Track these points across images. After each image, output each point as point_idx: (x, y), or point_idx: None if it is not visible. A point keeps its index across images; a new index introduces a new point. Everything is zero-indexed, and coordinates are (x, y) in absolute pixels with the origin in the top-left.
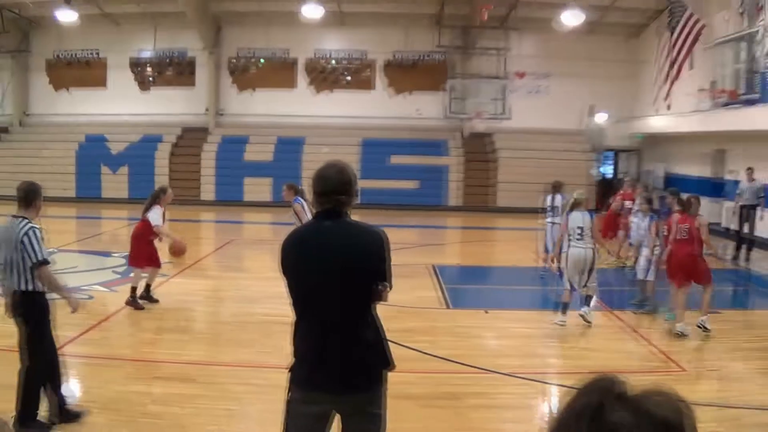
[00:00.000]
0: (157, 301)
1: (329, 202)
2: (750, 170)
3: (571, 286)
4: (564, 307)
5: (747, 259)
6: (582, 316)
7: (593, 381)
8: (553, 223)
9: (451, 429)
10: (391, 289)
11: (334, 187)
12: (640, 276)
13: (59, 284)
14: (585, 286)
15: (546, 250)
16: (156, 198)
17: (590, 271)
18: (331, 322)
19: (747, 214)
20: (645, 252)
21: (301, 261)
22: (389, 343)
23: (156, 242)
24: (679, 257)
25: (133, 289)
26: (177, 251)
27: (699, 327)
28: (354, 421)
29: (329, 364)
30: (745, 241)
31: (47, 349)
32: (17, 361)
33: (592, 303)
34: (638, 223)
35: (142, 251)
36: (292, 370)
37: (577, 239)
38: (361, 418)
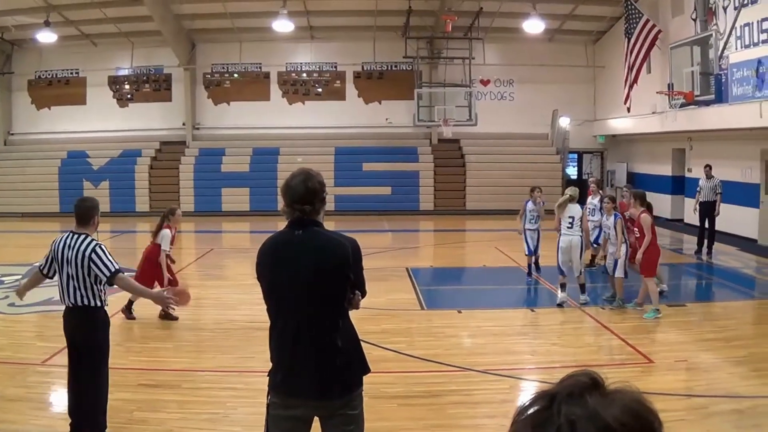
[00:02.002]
0: (133, 318)
1: (297, 211)
2: (708, 168)
3: (561, 270)
4: (563, 287)
5: (709, 253)
6: (583, 304)
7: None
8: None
9: (429, 426)
10: (364, 296)
11: (300, 197)
12: (610, 272)
13: (138, 286)
14: (579, 274)
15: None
16: (165, 219)
17: (580, 257)
18: (304, 330)
19: (706, 210)
20: (611, 249)
21: (274, 270)
22: (367, 344)
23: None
24: (659, 250)
25: (130, 304)
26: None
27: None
28: (333, 423)
29: (304, 372)
30: (706, 236)
31: (107, 366)
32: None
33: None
34: (604, 222)
35: (149, 273)
36: (270, 375)
37: (568, 228)
38: (339, 420)
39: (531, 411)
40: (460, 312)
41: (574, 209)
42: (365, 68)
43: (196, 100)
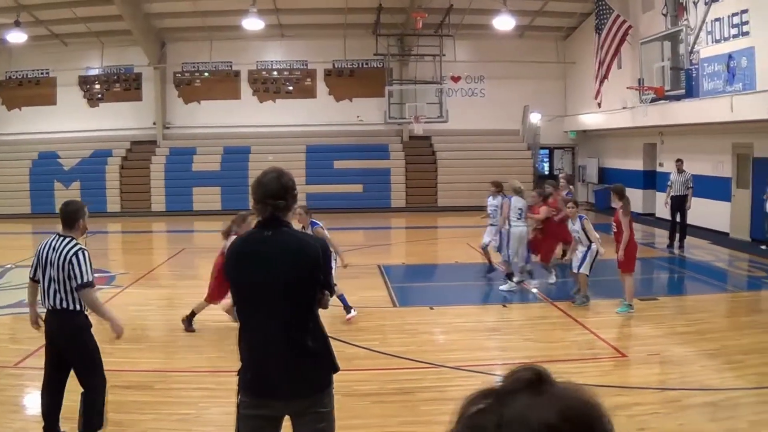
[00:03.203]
0: (192, 330)
1: (267, 209)
2: (679, 162)
3: (509, 259)
4: (509, 276)
5: (681, 247)
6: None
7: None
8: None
9: (402, 423)
10: (333, 295)
11: (273, 192)
12: (574, 270)
13: (103, 308)
14: (527, 262)
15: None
16: (234, 225)
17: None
18: (274, 330)
19: (678, 204)
20: (580, 248)
21: (244, 271)
22: (339, 342)
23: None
24: (635, 244)
25: (192, 314)
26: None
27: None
28: (304, 421)
29: (274, 371)
30: (678, 229)
31: (101, 364)
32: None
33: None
34: (571, 227)
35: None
36: (240, 374)
37: (518, 219)
38: (310, 418)
39: (471, 411)
40: (432, 309)
41: (522, 202)
42: (336, 66)
43: (167, 100)
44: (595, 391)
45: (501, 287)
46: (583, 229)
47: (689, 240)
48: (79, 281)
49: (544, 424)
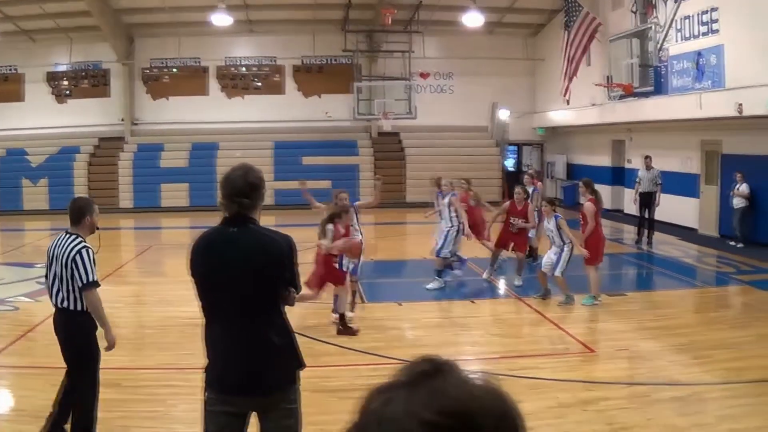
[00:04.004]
0: (353, 332)
1: (234, 206)
2: (647, 158)
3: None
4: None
5: (649, 243)
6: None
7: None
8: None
9: None
10: (298, 292)
11: (239, 190)
12: (545, 271)
13: (103, 313)
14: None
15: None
16: (336, 217)
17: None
18: (239, 327)
19: (646, 200)
20: (554, 249)
21: (207, 268)
22: (308, 338)
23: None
24: (602, 238)
25: (342, 316)
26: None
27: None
28: (270, 417)
29: (239, 368)
30: (646, 226)
31: (96, 370)
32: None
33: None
34: (545, 226)
35: (326, 276)
36: (206, 371)
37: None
38: (276, 414)
39: (367, 408)
40: (400, 304)
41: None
42: (304, 62)
43: (135, 96)
44: (498, 382)
45: (428, 286)
46: (558, 228)
47: (658, 236)
48: (84, 281)
49: (417, 421)
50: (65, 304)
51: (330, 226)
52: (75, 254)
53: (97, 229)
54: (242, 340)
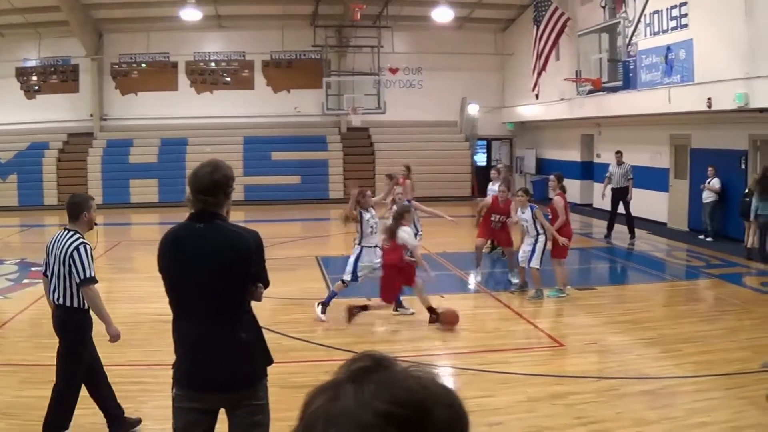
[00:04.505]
0: (412, 311)
1: (199, 202)
2: (618, 154)
3: None
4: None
5: (633, 237)
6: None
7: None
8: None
9: None
10: (266, 287)
11: (204, 187)
12: (523, 264)
13: (103, 308)
14: None
15: None
16: (400, 218)
17: None
18: (206, 323)
19: (618, 196)
20: (528, 240)
21: (174, 263)
22: (277, 334)
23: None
24: (570, 232)
25: (430, 308)
26: (450, 321)
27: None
28: (238, 414)
29: (207, 365)
30: (625, 222)
31: (79, 370)
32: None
33: None
34: (520, 216)
35: (397, 281)
36: (174, 367)
37: None
38: (245, 410)
39: (310, 408)
40: (369, 300)
41: None
42: (274, 57)
43: (104, 91)
44: (438, 373)
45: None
46: (534, 219)
47: (623, 229)
48: (81, 276)
49: (372, 413)
50: (61, 300)
51: (407, 229)
52: (73, 250)
53: (96, 225)
54: (209, 337)
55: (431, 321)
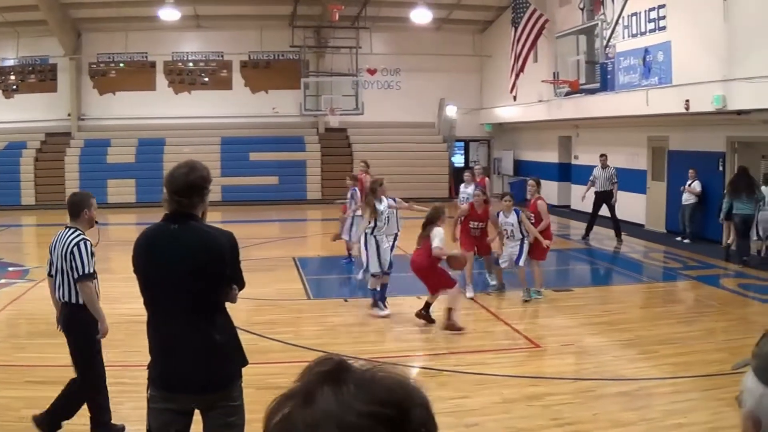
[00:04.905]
0: (433, 321)
1: (174, 203)
2: (603, 157)
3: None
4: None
5: (619, 241)
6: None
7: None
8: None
9: None
10: (241, 288)
11: (179, 188)
12: (505, 266)
13: (96, 303)
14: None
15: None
16: (436, 219)
17: None
18: (180, 324)
19: (602, 198)
20: (512, 243)
21: (149, 264)
22: (253, 335)
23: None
24: (551, 235)
25: (449, 310)
26: (459, 265)
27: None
28: (213, 415)
29: (180, 366)
30: (611, 225)
31: (95, 369)
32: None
33: None
34: (504, 221)
35: (436, 280)
36: (149, 368)
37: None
38: (219, 411)
39: (277, 417)
40: (346, 300)
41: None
42: (252, 57)
43: (82, 91)
44: (404, 372)
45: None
46: (520, 222)
47: (605, 231)
48: (79, 272)
49: (356, 414)
50: (66, 297)
51: (439, 229)
52: (73, 246)
53: (96, 223)
54: (184, 337)
55: (447, 328)
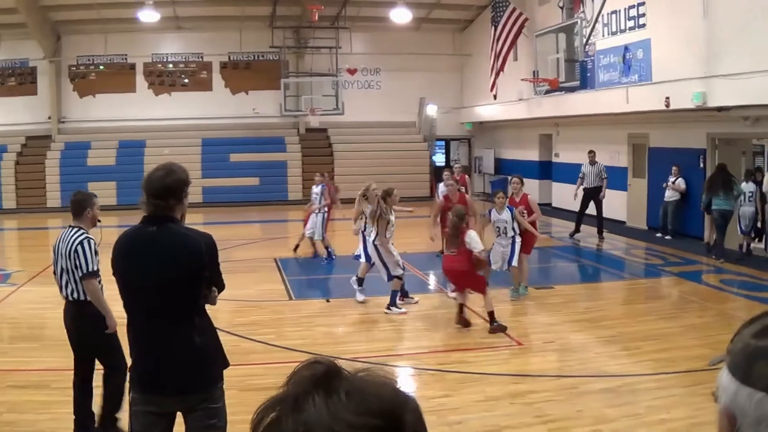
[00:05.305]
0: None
1: (152, 206)
2: (591, 153)
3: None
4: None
5: (601, 238)
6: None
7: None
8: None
9: None
10: (221, 290)
11: (156, 191)
12: (496, 266)
13: (102, 299)
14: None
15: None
16: (462, 222)
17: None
18: (159, 327)
19: (591, 195)
20: (503, 242)
21: (126, 266)
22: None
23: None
24: (536, 227)
25: (491, 313)
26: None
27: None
28: (195, 417)
29: (160, 368)
30: (595, 221)
31: (121, 352)
32: None
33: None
34: (498, 218)
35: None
36: (130, 371)
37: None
38: (201, 413)
39: (266, 422)
40: (328, 301)
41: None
42: (232, 58)
43: (62, 93)
44: (393, 376)
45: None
46: (513, 220)
47: (586, 229)
48: (84, 270)
49: (347, 424)
50: (75, 295)
51: (472, 233)
52: (77, 245)
53: (98, 221)
54: (162, 340)
55: (493, 331)
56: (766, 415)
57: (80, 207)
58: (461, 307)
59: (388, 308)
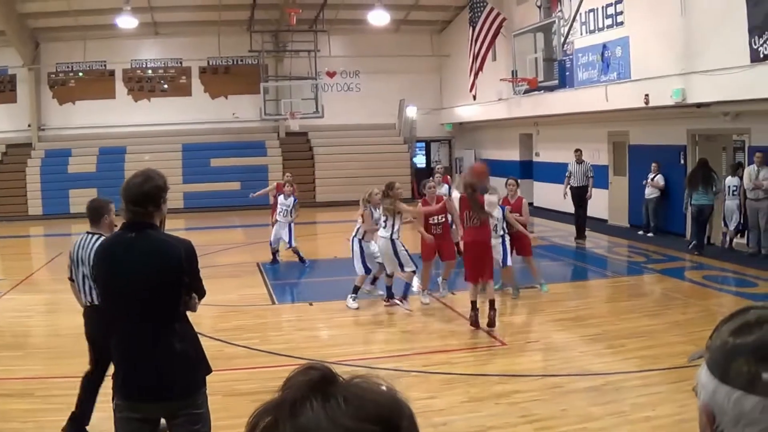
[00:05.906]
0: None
1: (130, 213)
2: (578, 152)
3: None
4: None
5: (583, 237)
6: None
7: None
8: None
9: None
10: (202, 297)
11: (133, 198)
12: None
13: None
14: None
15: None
16: (474, 190)
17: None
18: (141, 333)
19: (579, 194)
20: (492, 241)
21: (106, 273)
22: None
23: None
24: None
25: (492, 302)
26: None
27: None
28: (178, 423)
29: (142, 375)
30: (580, 220)
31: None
32: None
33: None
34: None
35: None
36: (114, 378)
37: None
38: (184, 419)
39: (260, 427)
40: (311, 305)
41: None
42: (211, 63)
43: (41, 101)
44: (388, 382)
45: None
46: (504, 219)
47: (567, 228)
48: None
49: (344, 428)
50: (95, 300)
51: (490, 197)
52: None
53: (116, 227)
54: (143, 346)
55: (490, 323)
56: (745, 413)
57: (98, 214)
58: (474, 304)
59: (401, 300)
